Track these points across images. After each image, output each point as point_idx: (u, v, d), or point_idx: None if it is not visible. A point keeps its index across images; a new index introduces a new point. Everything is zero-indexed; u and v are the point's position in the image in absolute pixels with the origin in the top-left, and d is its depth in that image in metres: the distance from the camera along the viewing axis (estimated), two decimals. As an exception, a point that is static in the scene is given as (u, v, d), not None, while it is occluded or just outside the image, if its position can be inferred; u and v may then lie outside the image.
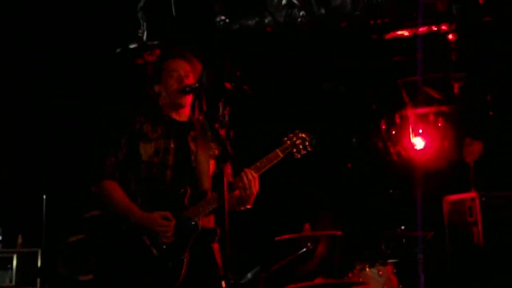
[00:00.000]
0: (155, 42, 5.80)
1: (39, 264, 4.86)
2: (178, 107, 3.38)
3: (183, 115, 3.41)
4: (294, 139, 3.39)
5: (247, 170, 3.23)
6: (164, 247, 3.14)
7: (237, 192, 3.25)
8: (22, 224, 5.17)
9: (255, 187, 3.23)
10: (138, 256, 3.12)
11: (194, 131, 3.38)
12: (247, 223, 3.84)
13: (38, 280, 4.82)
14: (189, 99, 3.39)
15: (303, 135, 3.42)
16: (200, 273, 3.19)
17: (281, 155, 3.34)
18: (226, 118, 3.40)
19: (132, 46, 5.82)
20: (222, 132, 3.34)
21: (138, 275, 3.11)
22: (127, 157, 3.25)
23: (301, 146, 3.39)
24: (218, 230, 3.19)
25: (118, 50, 5.84)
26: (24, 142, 5.61)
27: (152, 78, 3.44)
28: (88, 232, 4.17)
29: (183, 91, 3.35)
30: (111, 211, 3.20)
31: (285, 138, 3.40)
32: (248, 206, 3.32)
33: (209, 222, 3.27)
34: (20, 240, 4.95)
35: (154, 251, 3.14)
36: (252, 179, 3.22)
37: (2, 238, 4.94)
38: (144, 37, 5.77)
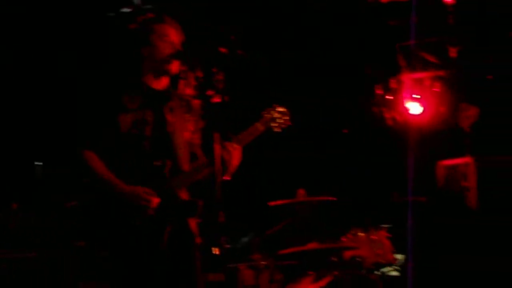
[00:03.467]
0: (149, 6, 5.72)
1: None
2: (164, 73, 3.32)
3: (163, 83, 3.35)
4: (272, 112, 3.37)
5: (227, 143, 3.21)
6: (146, 219, 3.14)
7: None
8: (16, 191, 5.18)
9: (235, 159, 3.21)
10: (122, 226, 3.14)
11: (172, 101, 3.33)
12: (241, 189, 3.85)
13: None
14: (175, 67, 3.33)
15: (282, 109, 3.39)
16: (178, 245, 3.19)
17: (261, 129, 3.32)
18: (221, 84, 3.37)
19: (125, 10, 5.74)
20: (218, 99, 3.31)
21: (123, 245, 3.13)
22: (105, 128, 3.21)
23: (280, 121, 3.35)
24: (198, 202, 3.19)
25: (111, 14, 5.76)
26: (14, 109, 5.58)
27: (142, 39, 3.36)
28: (83, 198, 4.17)
29: (176, 55, 3.31)
30: (95, 181, 3.19)
31: (264, 112, 3.37)
32: (226, 178, 3.27)
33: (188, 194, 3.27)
34: (14, 206, 4.97)
35: (137, 222, 3.15)
36: (232, 150, 3.20)
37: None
38: (138, 1, 5.70)
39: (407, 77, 6.54)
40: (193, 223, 3.24)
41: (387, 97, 6.56)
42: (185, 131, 3.30)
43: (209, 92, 3.21)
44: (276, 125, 3.37)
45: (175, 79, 3.42)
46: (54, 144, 5.44)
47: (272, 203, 4.90)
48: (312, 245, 4.78)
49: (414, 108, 6.52)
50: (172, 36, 3.33)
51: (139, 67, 3.35)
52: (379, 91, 6.60)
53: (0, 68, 5.54)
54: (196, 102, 3.22)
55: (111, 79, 3.40)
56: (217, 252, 2.97)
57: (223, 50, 6.05)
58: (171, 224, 3.17)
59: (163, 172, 3.21)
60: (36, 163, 5.12)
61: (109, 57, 5.46)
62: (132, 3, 5.72)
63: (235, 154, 3.22)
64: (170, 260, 3.16)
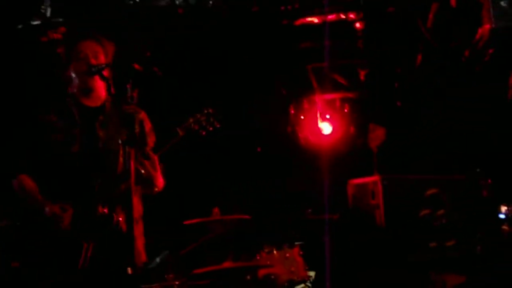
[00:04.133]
0: (60, 19, 5.57)
1: None
2: (89, 90, 3.29)
3: (96, 99, 3.33)
4: (198, 116, 3.35)
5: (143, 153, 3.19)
6: (63, 234, 3.13)
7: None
8: None
9: (154, 168, 3.20)
10: (42, 241, 3.15)
11: (104, 116, 3.29)
12: (156, 208, 3.80)
13: None
14: (97, 81, 3.28)
15: (209, 111, 3.37)
16: (102, 259, 3.15)
17: (181, 133, 3.30)
18: (135, 100, 3.32)
19: (35, 22, 5.56)
20: (142, 116, 3.29)
21: (44, 259, 3.08)
22: (36, 149, 3.23)
23: (204, 123, 3.32)
24: (115, 216, 3.16)
25: (19, 26, 5.56)
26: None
27: (64, 64, 3.35)
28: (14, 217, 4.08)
29: (89, 72, 3.26)
30: (26, 203, 3.23)
31: (190, 116, 3.35)
32: (156, 189, 3.28)
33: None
34: None
35: (55, 237, 3.13)
36: (149, 160, 3.19)
37: None
38: (48, 13, 5.53)
39: (319, 98, 6.72)
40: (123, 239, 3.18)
41: (300, 116, 6.72)
42: (118, 144, 3.25)
43: (125, 107, 3.18)
44: (200, 127, 3.32)
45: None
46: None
47: (187, 222, 4.87)
48: (226, 264, 4.79)
49: (326, 128, 6.71)
50: (88, 50, 3.28)
51: (68, 87, 3.31)
52: (292, 111, 6.74)
53: None
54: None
55: (36, 98, 3.36)
56: (130, 272, 2.92)
57: (137, 66, 6.01)
58: (89, 240, 3.10)
59: (88, 187, 3.17)
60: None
61: (25, 74, 5.28)
62: (42, 16, 5.55)
63: (153, 163, 3.19)
64: (89, 279, 3.09)
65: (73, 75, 3.30)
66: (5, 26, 5.38)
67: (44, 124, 3.24)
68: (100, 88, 3.31)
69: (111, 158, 3.22)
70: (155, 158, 3.24)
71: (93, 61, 3.25)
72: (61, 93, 3.35)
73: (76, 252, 3.11)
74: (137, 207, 3.28)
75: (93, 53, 3.27)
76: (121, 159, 3.24)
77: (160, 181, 3.33)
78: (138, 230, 3.30)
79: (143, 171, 3.17)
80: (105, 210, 3.15)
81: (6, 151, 3.34)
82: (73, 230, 3.14)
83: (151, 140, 3.33)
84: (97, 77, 3.24)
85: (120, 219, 3.17)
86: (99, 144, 3.24)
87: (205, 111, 3.34)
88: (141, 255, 3.30)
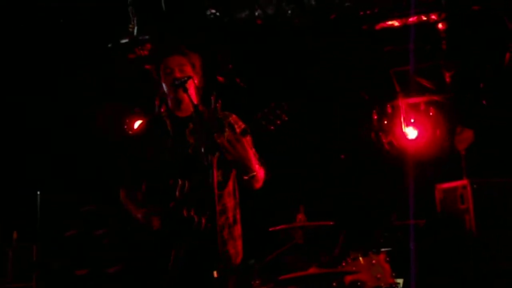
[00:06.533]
0: (146, 37, 5.83)
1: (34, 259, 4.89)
2: (179, 102, 3.46)
3: (186, 110, 3.47)
4: (265, 111, 3.32)
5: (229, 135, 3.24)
6: (152, 238, 3.24)
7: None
8: (17, 220, 5.19)
9: (242, 150, 3.21)
10: (130, 245, 3.29)
11: (194, 123, 3.42)
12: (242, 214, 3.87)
13: (34, 276, 4.84)
14: (182, 93, 3.41)
15: (276, 105, 3.26)
16: (192, 264, 3.24)
17: (248, 129, 3.28)
18: (219, 111, 3.43)
19: (123, 41, 5.85)
20: (232, 120, 3.39)
21: (130, 264, 3.22)
22: (138, 163, 3.45)
23: (272, 117, 3.24)
24: (197, 219, 3.24)
25: (109, 45, 5.86)
26: (17, 140, 5.64)
27: (157, 82, 3.54)
28: (83, 225, 4.29)
29: (173, 84, 3.39)
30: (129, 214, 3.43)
31: (258, 112, 3.31)
32: (252, 174, 3.29)
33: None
34: (15, 235, 4.98)
35: (144, 240, 3.24)
36: (234, 142, 3.19)
37: (-2, 234, 4.98)
38: (135, 32, 5.80)
39: (403, 102, 6.61)
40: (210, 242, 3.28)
41: (383, 121, 6.63)
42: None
43: (210, 115, 3.32)
44: (267, 122, 3.23)
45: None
46: (51, 173, 5.49)
47: (272, 228, 4.92)
48: (312, 270, 4.78)
49: (411, 132, 6.59)
50: (173, 65, 3.43)
51: (164, 102, 3.54)
52: (375, 116, 6.67)
53: (8, 101, 5.62)
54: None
55: (134, 115, 3.61)
56: (216, 276, 2.99)
57: (220, 78, 6.16)
58: (179, 243, 3.22)
59: (175, 192, 3.30)
60: (38, 192, 5.17)
61: (116, 90, 5.58)
62: (130, 34, 5.83)
63: (241, 145, 3.21)
64: (176, 283, 3.20)
65: (165, 89, 3.48)
66: (96, 45, 5.70)
67: (141, 136, 3.47)
68: (182, 101, 3.45)
69: (202, 162, 3.34)
70: (240, 139, 3.21)
71: (178, 75, 3.39)
72: (153, 107, 3.55)
73: (165, 255, 3.20)
74: (235, 209, 3.42)
75: (179, 66, 3.42)
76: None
77: (261, 176, 3.37)
78: (237, 231, 3.42)
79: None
80: (193, 214, 3.24)
81: (111, 163, 3.57)
82: (164, 234, 3.24)
83: (247, 139, 3.34)
84: (178, 90, 3.38)
85: (204, 221, 3.25)
86: (189, 151, 3.37)
87: (272, 105, 3.33)
88: (239, 257, 3.40)
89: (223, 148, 3.18)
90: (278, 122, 3.24)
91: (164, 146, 3.38)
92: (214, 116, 3.37)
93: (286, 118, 3.26)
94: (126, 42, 5.80)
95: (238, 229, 3.44)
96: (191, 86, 3.38)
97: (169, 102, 3.50)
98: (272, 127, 3.22)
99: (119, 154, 3.55)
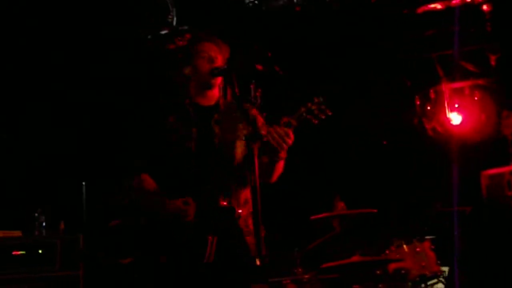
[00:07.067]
0: (185, 27, 5.85)
1: (81, 248, 4.99)
2: (208, 87, 3.41)
3: (211, 98, 3.44)
4: (309, 105, 3.31)
5: (276, 127, 3.21)
6: (186, 228, 3.23)
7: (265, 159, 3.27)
8: (64, 210, 5.31)
9: (289, 141, 3.20)
10: (164, 237, 3.24)
11: (219, 113, 3.40)
12: (281, 202, 3.87)
13: (81, 265, 4.95)
14: (218, 80, 3.42)
15: (319, 100, 3.29)
16: (228, 253, 3.24)
17: (294, 123, 3.27)
18: (258, 100, 3.41)
19: (163, 32, 5.88)
20: (256, 112, 3.36)
21: (166, 254, 3.21)
22: (155, 150, 3.35)
23: (317, 112, 3.26)
24: (235, 209, 3.23)
25: (149, 37, 5.91)
26: (62, 131, 5.75)
27: (182, 61, 3.48)
28: (123, 217, 4.32)
29: (212, 73, 3.39)
30: (143, 203, 3.34)
31: (301, 106, 3.33)
32: (282, 155, 3.27)
33: (236, 201, 3.32)
34: (62, 226, 5.09)
35: (177, 232, 3.24)
36: (282, 133, 3.18)
37: (46, 224, 5.09)
38: (174, 23, 5.82)
39: (446, 87, 6.48)
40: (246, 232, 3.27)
41: (427, 107, 6.51)
42: (237, 140, 3.36)
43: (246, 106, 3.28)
44: (313, 116, 3.26)
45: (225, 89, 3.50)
46: (96, 164, 5.58)
47: (314, 217, 4.91)
48: (355, 258, 4.75)
49: (455, 118, 6.45)
50: (210, 51, 3.41)
51: (184, 87, 3.46)
52: (418, 102, 6.55)
53: (53, 94, 5.73)
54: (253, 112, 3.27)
55: (155, 101, 3.52)
56: (259, 263, 2.98)
57: (259, 67, 6.14)
58: (213, 233, 3.21)
59: (204, 182, 3.27)
60: (83, 183, 5.27)
61: (150, 79, 5.61)
62: (169, 25, 5.85)
63: (290, 136, 3.20)
64: (216, 271, 3.20)
65: (191, 74, 3.41)
66: (136, 36, 5.75)
67: (164, 124, 3.35)
68: (217, 86, 3.43)
69: (227, 153, 3.31)
70: (289, 131, 3.19)
71: (215, 62, 3.38)
72: (177, 94, 3.48)
73: (201, 245, 3.19)
74: (249, 201, 3.33)
75: (214, 54, 3.40)
76: (238, 153, 3.34)
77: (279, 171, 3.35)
78: (249, 225, 3.35)
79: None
80: (226, 203, 3.24)
81: (125, 151, 3.46)
82: (198, 224, 3.22)
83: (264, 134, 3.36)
84: (215, 78, 3.36)
85: (241, 211, 3.25)
86: (215, 140, 3.33)
87: (316, 100, 3.31)
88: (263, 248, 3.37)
89: (274, 140, 3.16)
90: (323, 116, 3.24)
91: (187, 135, 3.34)
92: (242, 106, 3.32)
93: (330, 113, 3.25)
94: (166, 33, 5.84)
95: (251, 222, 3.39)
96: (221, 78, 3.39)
97: (194, 87, 3.42)
98: (316, 122, 3.23)
99: (140, 140, 3.42)
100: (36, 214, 5.01)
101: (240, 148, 3.37)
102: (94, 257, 5.06)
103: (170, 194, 3.27)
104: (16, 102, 5.61)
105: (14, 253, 4.78)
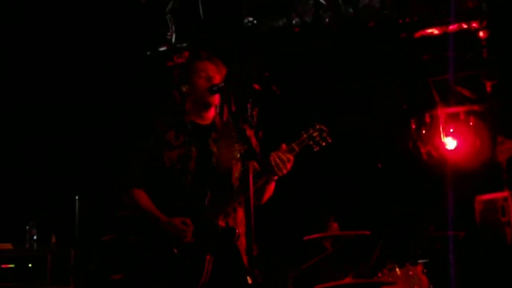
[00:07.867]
0: (184, 45, 5.88)
1: (72, 263, 4.95)
2: (206, 106, 3.41)
3: (207, 117, 3.45)
4: (311, 131, 3.36)
5: (279, 153, 3.24)
6: (185, 247, 3.21)
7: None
8: (56, 224, 5.28)
9: (287, 168, 3.24)
10: (161, 256, 3.22)
11: (216, 132, 3.41)
12: (275, 221, 3.86)
13: (71, 279, 4.90)
14: (216, 99, 3.42)
15: (321, 127, 3.37)
16: (225, 272, 3.22)
17: (297, 149, 3.32)
18: (255, 119, 3.42)
19: (162, 48, 5.91)
20: (251, 132, 3.37)
21: (162, 274, 3.18)
22: (152, 165, 3.35)
23: (318, 138, 3.32)
24: (236, 230, 3.23)
25: (148, 53, 5.93)
26: (56, 144, 5.73)
27: (180, 78, 3.49)
28: (120, 230, 4.27)
29: (211, 90, 3.39)
30: (139, 217, 3.34)
31: (303, 132, 3.38)
32: (263, 201, 3.29)
33: (233, 221, 3.31)
34: (53, 239, 5.05)
35: (175, 251, 3.21)
36: (285, 159, 3.21)
37: (37, 238, 5.06)
38: (173, 40, 5.86)
39: (442, 112, 6.51)
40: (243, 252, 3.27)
41: (422, 131, 6.54)
42: (233, 159, 3.37)
43: (242, 126, 3.29)
44: (314, 143, 3.32)
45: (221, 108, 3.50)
46: (91, 177, 5.57)
47: (307, 237, 4.89)
48: (348, 280, 4.73)
49: (450, 143, 6.48)
50: (209, 70, 3.43)
51: (182, 104, 3.47)
52: (413, 126, 6.57)
53: (48, 107, 5.72)
54: (250, 132, 3.28)
55: (155, 115, 3.51)
56: (250, 282, 2.97)
57: (257, 86, 6.17)
58: (211, 253, 3.19)
59: (203, 202, 3.27)
60: (76, 196, 5.25)
61: (148, 95, 5.62)
62: (168, 42, 5.89)
63: (289, 163, 3.23)
64: None
65: (188, 92, 3.42)
66: (135, 53, 5.78)
67: (164, 139, 3.35)
68: (214, 105, 3.44)
69: (224, 172, 3.32)
70: (290, 158, 3.24)
71: (213, 80, 3.39)
72: (176, 110, 3.47)
73: (198, 266, 3.16)
74: (243, 220, 3.35)
75: (212, 73, 3.42)
76: (235, 173, 3.34)
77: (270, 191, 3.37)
78: (242, 244, 3.35)
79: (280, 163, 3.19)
80: (224, 224, 3.22)
81: (123, 165, 3.43)
82: (196, 244, 3.20)
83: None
84: (213, 96, 3.37)
85: (240, 231, 3.24)
86: (213, 160, 3.34)
87: (318, 126, 3.34)
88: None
89: (276, 165, 3.20)
90: (324, 143, 3.27)
91: (188, 154, 3.34)
92: (239, 126, 3.34)
93: (331, 140, 3.28)
94: (164, 50, 5.86)
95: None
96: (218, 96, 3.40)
97: (191, 105, 3.43)
98: (317, 148, 3.26)
99: (139, 155, 3.40)
100: (28, 227, 4.97)
101: (236, 168, 3.37)
102: (85, 272, 5.02)
103: (167, 211, 3.26)
104: (9, 113, 5.60)
105: (3, 266, 4.74)
